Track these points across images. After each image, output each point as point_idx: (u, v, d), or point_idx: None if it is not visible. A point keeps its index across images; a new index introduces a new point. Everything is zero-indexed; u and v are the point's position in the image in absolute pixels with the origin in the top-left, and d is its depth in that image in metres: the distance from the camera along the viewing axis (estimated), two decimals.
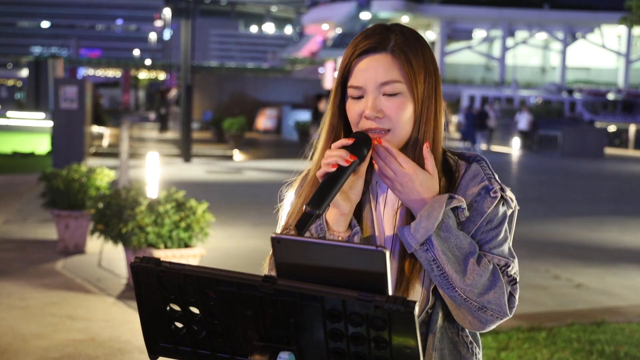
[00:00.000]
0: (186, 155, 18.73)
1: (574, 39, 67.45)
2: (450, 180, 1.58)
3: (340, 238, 1.52)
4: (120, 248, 6.62)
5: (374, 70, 1.52)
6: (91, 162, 15.68)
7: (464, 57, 69.14)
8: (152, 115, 39.42)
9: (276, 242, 1.27)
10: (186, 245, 6.12)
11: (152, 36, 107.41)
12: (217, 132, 26.83)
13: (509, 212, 1.59)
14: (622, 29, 61.47)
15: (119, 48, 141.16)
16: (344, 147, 1.48)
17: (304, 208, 1.40)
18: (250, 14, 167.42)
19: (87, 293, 6.37)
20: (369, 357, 1.23)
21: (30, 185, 12.89)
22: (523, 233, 10.05)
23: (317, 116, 12.44)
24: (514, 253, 1.60)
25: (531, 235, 9.91)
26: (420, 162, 1.53)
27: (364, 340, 1.21)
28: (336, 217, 1.51)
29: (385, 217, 1.58)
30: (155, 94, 50.19)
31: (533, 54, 71.88)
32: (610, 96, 52.72)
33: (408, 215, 1.55)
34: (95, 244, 7.96)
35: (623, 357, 5.06)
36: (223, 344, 1.32)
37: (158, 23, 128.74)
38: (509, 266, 1.56)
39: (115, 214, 6.22)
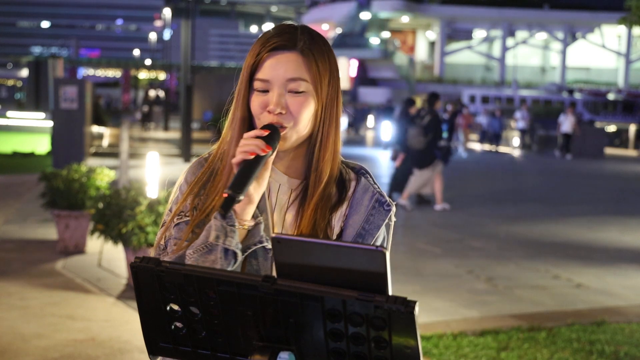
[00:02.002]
0: (186, 155, 18.73)
1: (574, 39, 67.43)
2: (342, 187, 1.64)
3: (245, 227, 1.54)
4: (120, 248, 6.62)
5: (283, 66, 1.57)
6: (91, 162, 15.68)
7: (464, 57, 69.12)
8: (137, 114, 39.72)
9: (276, 242, 1.27)
10: None
11: (152, 36, 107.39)
12: (217, 132, 26.80)
13: (388, 228, 1.66)
14: (622, 29, 61.47)
15: (118, 48, 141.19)
16: (259, 137, 1.52)
17: (225, 193, 1.44)
18: (250, 14, 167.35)
19: (87, 293, 6.37)
20: (369, 357, 1.23)
21: (30, 185, 12.89)
22: (523, 233, 10.05)
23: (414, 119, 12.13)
24: None
25: (531, 235, 9.91)
26: (322, 163, 1.59)
27: (364, 340, 1.22)
28: (244, 206, 1.54)
29: (276, 210, 1.63)
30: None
31: (533, 54, 71.86)
32: (611, 96, 52.71)
33: (311, 217, 1.59)
34: (95, 244, 7.96)
35: (623, 357, 5.06)
36: (223, 344, 1.32)
37: (158, 23, 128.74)
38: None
39: (115, 214, 6.22)
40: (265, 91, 1.58)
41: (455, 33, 67.96)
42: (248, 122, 1.63)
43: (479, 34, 69.25)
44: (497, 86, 61.01)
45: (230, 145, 1.64)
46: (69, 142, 14.69)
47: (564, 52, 67.00)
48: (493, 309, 6.23)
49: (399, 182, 12.03)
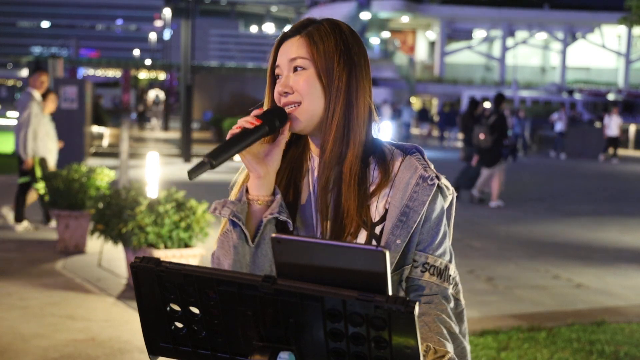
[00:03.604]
0: (186, 155, 18.73)
1: (574, 39, 67.40)
2: (385, 169, 1.62)
3: (260, 201, 1.58)
4: (120, 248, 6.62)
5: (287, 50, 1.62)
6: (91, 162, 15.68)
7: (464, 57, 69.09)
8: (133, 114, 39.88)
9: (276, 242, 1.27)
10: (186, 245, 6.12)
11: (152, 36, 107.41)
12: (217, 132, 26.83)
13: (447, 204, 1.64)
14: (622, 29, 61.50)
15: (118, 48, 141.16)
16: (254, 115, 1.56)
17: (202, 158, 1.46)
18: (250, 14, 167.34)
19: (87, 293, 6.37)
20: (369, 357, 1.23)
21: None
22: (523, 233, 10.05)
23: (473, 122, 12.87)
24: (452, 251, 1.64)
25: (531, 235, 9.91)
26: (325, 139, 1.59)
27: (364, 340, 1.21)
28: (254, 181, 1.59)
29: (312, 195, 1.64)
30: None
31: (533, 54, 71.84)
32: (611, 96, 52.69)
33: (324, 196, 1.60)
34: (95, 244, 7.96)
35: (623, 357, 5.05)
36: (223, 344, 1.32)
37: (158, 23, 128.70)
38: (449, 269, 1.62)
39: (115, 214, 6.22)
40: (280, 78, 1.64)
41: (455, 33, 67.94)
42: None
43: (479, 34, 69.23)
44: (497, 86, 60.97)
45: None
46: (69, 142, 14.67)
47: (564, 52, 66.97)
48: (493, 309, 6.23)
49: (470, 178, 12.70)
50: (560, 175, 18.99)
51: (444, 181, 1.61)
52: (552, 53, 70.49)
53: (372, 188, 1.61)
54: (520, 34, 68.50)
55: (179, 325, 1.32)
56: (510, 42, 67.29)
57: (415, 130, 34.80)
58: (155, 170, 6.61)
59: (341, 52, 1.61)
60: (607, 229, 10.63)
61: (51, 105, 9.22)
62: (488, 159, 12.22)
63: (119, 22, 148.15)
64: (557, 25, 66.10)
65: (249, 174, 1.64)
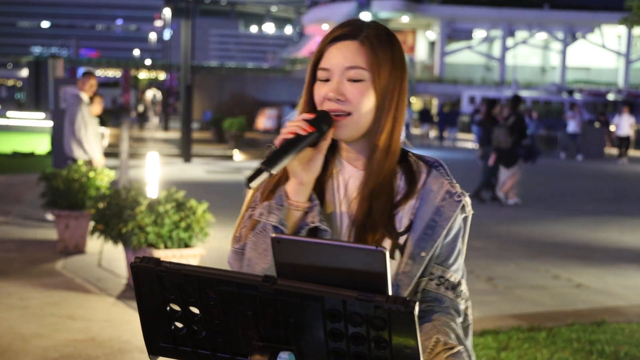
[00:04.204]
0: (186, 155, 18.73)
1: (574, 39, 67.39)
2: (411, 180, 1.63)
3: (300, 208, 1.57)
4: (120, 248, 6.62)
5: (342, 55, 1.59)
6: None
7: (464, 57, 69.09)
8: (133, 113, 39.90)
9: (276, 242, 1.28)
10: (186, 245, 6.11)
11: (152, 36, 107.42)
12: (217, 132, 26.83)
13: (466, 221, 1.65)
14: (622, 28, 61.46)
15: (118, 48, 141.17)
16: (305, 120, 1.54)
17: (259, 165, 1.45)
18: (250, 14, 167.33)
19: (87, 293, 6.37)
20: (369, 357, 1.23)
21: (30, 185, 12.89)
22: (523, 233, 10.05)
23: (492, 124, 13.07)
24: (464, 269, 1.67)
25: (531, 235, 9.91)
26: (374, 152, 1.59)
27: (364, 340, 1.21)
28: (295, 186, 1.57)
29: (343, 202, 1.64)
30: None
31: (533, 54, 71.83)
32: (611, 96, 52.69)
33: (364, 205, 1.60)
34: (95, 244, 7.96)
35: (623, 357, 5.05)
36: (223, 344, 1.32)
37: (158, 23, 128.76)
38: (461, 285, 1.65)
39: (115, 214, 6.22)
40: (327, 80, 1.61)
41: (455, 33, 67.93)
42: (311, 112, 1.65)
43: (479, 34, 69.23)
44: (497, 86, 60.98)
45: None
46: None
47: (564, 52, 66.97)
48: (493, 309, 6.23)
49: (489, 180, 12.97)
50: (560, 176, 18.99)
51: (467, 199, 1.63)
52: (552, 53, 70.49)
53: (397, 198, 1.62)
54: (520, 34, 68.50)
55: (179, 325, 1.32)
56: (510, 42, 67.29)
57: (416, 130, 34.77)
58: (155, 170, 6.61)
59: (394, 63, 1.61)
60: (607, 229, 10.63)
61: (97, 107, 9.50)
62: (507, 160, 12.52)
63: (119, 22, 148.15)
64: (557, 25, 66.10)
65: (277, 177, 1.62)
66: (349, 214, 1.62)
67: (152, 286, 1.29)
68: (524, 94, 51.91)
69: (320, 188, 1.63)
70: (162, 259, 1.28)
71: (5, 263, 7.40)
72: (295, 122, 1.53)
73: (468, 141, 32.12)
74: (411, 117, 31.62)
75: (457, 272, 1.63)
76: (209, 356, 1.33)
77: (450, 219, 1.59)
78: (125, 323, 5.57)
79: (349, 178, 1.64)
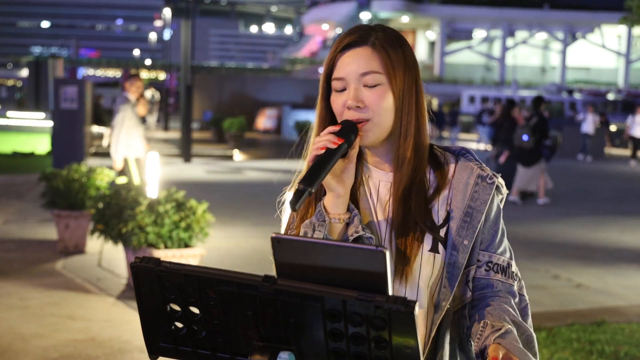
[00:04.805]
0: (186, 155, 18.72)
1: (574, 39, 67.43)
2: (441, 172, 1.64)
3: (341, 220, 1.57)
4: (120, 248, 6.62)
5: (355, 62, 1.59)
6: (91, 162, 15.68)
7: (464, 57, 69.13)
8: None
9: (276, 242, 1.27)
10: (186, 245, 6.11)
11: (152, 36, 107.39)
12: (217, 132, 26.82)
13: (502, 202, 1.66)
14: (622, 29, 61.49)
15: (118, 48, 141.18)
16: (331, 133, 1.54)
17: (297, 186, 1.45)
18: (250, 14, 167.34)
19: (87, 293, 6.37)
20: (369, 357, 1.23)
21: (30, 185, 12.90)
22: (523, 233, 10.05)
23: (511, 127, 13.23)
24: (511, 248, 1.66)
25: (531, 235, 9.91)
26: (403, 153, 1.60)
27: (364, 340, 1.21)
28: (333, 200, 1.58)
29: (377, 207, 1.64)
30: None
31: (533, 54, 71.87)
32: (610, 96, 52.71)
33: (399, 207, 1.60)
34: (95, 244, 7.96)
35: (623, 357, 5.05)
36: (223, 344, 1.32)
37: (158, 23, 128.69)
38: (511, 266, 1.65)
39: (115, 214, 6.22)
40: (343, 90, 1.60)
41: (455, 33, 67.97)
42: (328, 123, 1.64)
43: (479, 34, 69.26)
44: (497, 86, 61.00)
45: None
46: (69, 142, 14.69)
47: (564, 52, 67.00)
48: None
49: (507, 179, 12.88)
50: (561, 176, 18.99)
51: (500, 180, 1.63)
52: (552, 53, 70.53)
53: (430, 192, 1.62)
54: (520, 34, 68.54)
55: (179, 325, 1.32)
56: (510, 42, 67.32)
57: None
58: (155, 170, 6.62)
59: (407, 63, 1.61)
60: (607, 229, 10.63)
61: (142, 108, 9.68)
62: (528, 159, 12.72)
63: (119, 22, 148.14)
64: (557, 25, 66.13)
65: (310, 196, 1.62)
66: (385, 217, 1.62)
67: (152, 286, 1.29)
68: (524, 93, 51.94)
69: (353, 197, 1.63)
70: (162, 259, 1.28)
71: (5, 263, 7.40)
72: (324, 137, 1.53)
73: (469, 141, 32.10)
74: None
75: (504, 254, 1.63)
76: (209, 356, 1.33)
77: (487, 202, 1.59)
78: (125, 323, 5.57)
79: (379, 182, 1.65)
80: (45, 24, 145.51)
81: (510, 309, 1.59)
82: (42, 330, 5.33)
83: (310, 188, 1.45)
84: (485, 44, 69.72)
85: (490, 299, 1.60)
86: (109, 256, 7.52)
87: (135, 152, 9.37)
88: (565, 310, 6.30)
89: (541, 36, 69.16)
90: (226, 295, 1.25)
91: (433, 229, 1.59)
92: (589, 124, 24.17)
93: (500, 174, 1.64)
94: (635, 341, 5.40)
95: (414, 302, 1.16)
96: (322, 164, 1.49)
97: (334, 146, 1.51)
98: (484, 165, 1.64)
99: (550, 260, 8.28)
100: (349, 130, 1.56)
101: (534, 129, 12.58)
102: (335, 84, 1.61)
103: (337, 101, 1.61)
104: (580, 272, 7.74)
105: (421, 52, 70.91)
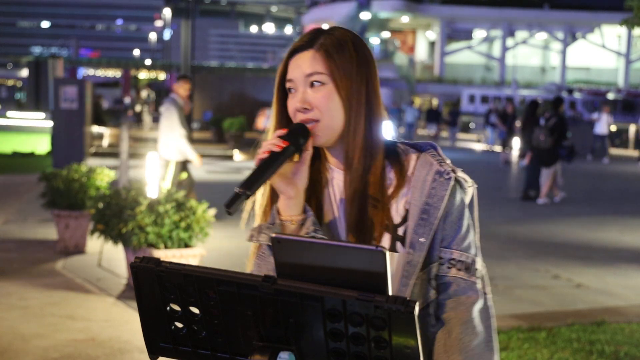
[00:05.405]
0: None
1: (574, 39, 67.42)
2: (400, 170, 1.62)
3: (294, 222, 1.57)
4: (120, 248, 6.62)
5: (301, 64, 1.60)
6: (91, 162, 15.68)
7: (464, 57, 69.12)
8: (130, 112, 39.98)
9: (276, 242, 1.28)
10: (186, 245, 6.12)
11: (152, 36, 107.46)
12: (217, 132, 26.82)
13: (467, 198, 1.63)
14: (622, 28, 61.43)
15: (119, 48, 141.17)
16: (279, 136, 1.55)
17: (235, 189, 1.46)
18: (250, 14, 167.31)
19: (87, 293, 6.37)
20: (369, 357, 1.23)
21: (30, 185, 12.89)
22: (523, 233, 10.05)
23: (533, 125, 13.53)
24: (478, 245, 1.63)
25: (531, 235, 9.91)
26: (352, 152, 1.59)
27: (364, 340, 1.21)
28: (285, 202, 1.59)
29: (340, 207, 1.64)
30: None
31: (533, 54, 71.86)
32: (610, 96, 52.71)
33: (352, 207, 1.60)
34: (95, 244, 7.96)
35: (623, 357, 5.06)
36: (223, 344, 1.32)
37: (158, 23, 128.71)
38: (475, 263, 1.61)
39: (115, 214, 6.22)
40: (295, 92, 1.62)
41: (455, 33, 67.96)
42: (285, 126, 1.65)
43: (479, 34, 69.25)
44: (497, 86, 60.99)
45: None
46: (69, 142, 14.68)
47: (564, 52, 66.99)
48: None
49: (533, 180, 13.38)
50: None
51: (461, 174, 1.61)
52: (552, 53, 70.52)
53: (390, 190, 1.61)
54: (520, 34, 68.52)
55: (179, 325, 1.32)
56: (510, 42, 67.30)
57: (422, 131, 34.63)
58: (155, 170, 6.61)
59: (357, 63, 1.61)
60: (607, 229, 10.63)
61: (186, 110, 9.67)
62: (547, 159, 12.92)
63: (119, 22, 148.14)
64: (557, 25, 66.12)
65: (269, 195, 1.65)
66: (345, 217, 1.62)
67: (152, 286, 1.29)
68: (524, 93, 51.94)
69: (317, 198, 1.64)
70: (162, 259, 1.28)
71: (5, 263, 7.40)
72: (270, 140, 1.54)
73: (469, 141, 32.09)
74: (415, 118, 31.43)
75: (468, 250, 1.60)
76: (209, 356, 1.33)
77: (444, 198, 1.57)
78: (125, 323, 5.57)
79: (339, 182, 1.65)
80: (45, 24, 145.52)
81: (470, 332, 1.60)
82: (42, 330, 5.33)
83: (248, 192, 1.45)
84: (485, 44, 69.71)
85: (451, 310, 1.60)
86: (109, 256, 7.52)
87: (180, 155, 9.11)
88: (565, 310, 6.30)
89: (541, 36, 69.15)
90: (226, 295, 1.25)
91: (390, 228, 1.58)
92: (603, 124, 23.65)
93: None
94: (635, 341, 5.41)
95: (414, 302, 1.16)
96: (263, 168, 1.50)
97: (278, 149, 1.51)
98: (446, 161, 1.62)
99: (550, 260, 8.28)
100: (298, 133, 1.56)
101: (552, 129, 12.75)
102: (287, 86, 1.63)
103: (290, 104, 1.62)
104: (580, 272, 7.74)
105: (421, 52, 70.91)
